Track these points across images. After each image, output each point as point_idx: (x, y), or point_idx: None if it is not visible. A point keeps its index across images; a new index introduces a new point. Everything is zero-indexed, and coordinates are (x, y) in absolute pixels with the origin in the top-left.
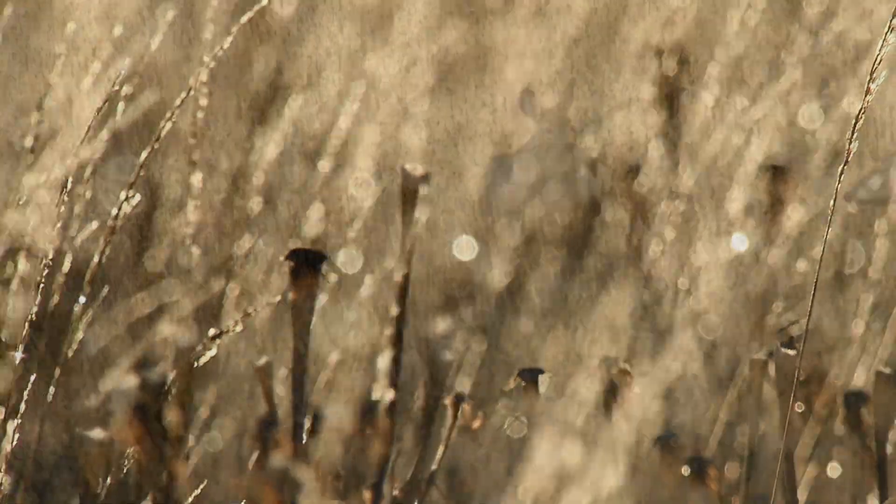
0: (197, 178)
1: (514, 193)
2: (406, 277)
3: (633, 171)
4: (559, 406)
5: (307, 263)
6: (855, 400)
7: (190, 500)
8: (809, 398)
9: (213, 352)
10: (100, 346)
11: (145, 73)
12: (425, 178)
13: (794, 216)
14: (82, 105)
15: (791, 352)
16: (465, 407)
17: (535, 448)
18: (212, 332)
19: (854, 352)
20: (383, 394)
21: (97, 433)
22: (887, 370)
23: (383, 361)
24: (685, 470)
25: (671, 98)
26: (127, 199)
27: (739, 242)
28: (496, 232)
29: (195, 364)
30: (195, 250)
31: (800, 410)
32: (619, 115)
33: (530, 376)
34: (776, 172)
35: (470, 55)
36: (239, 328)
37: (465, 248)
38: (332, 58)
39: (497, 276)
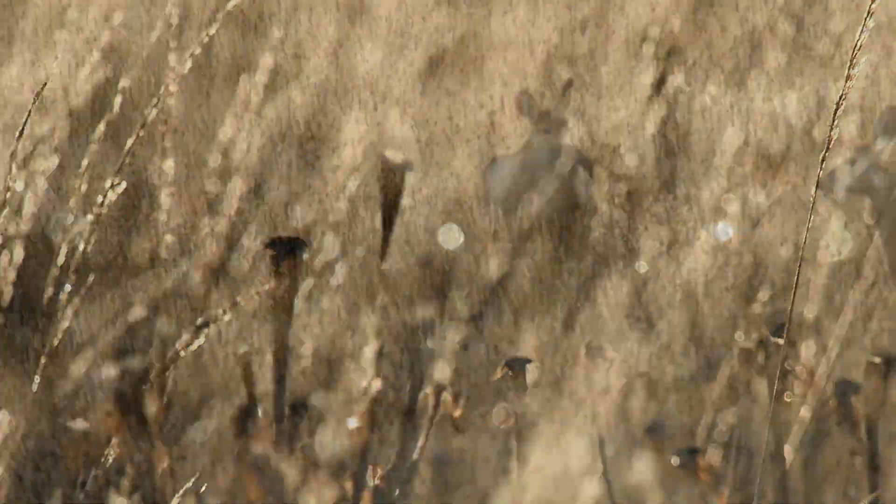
0: (175, 167)
1: (507, 186)
2: (385, 264)
3: (623, 161)
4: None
5: (288, 251)
6: (845, 390)
7: (180, 494)
8: (798, 386)
9: (200, 341)
10: (83, 335)
11: (125, 58)
12: (406, 165)
13: (779, 204)
14: (63, 90)
15: (778, 340)
16: (447, 396)
17: (525, 440)
18: (199, 321)
19: (842, 340)
20: (369, 384)
21: (79, 423)
22: (877, 360)
23: (367, 352)
24: (674, 460)
25: (660, 87)
26: (112, 186)
27: (724, 231)
28: (484, 223)
29: (181, 354)
30: (174, 238)
31: (788, 400)
32: (610, 105)
33: (517, 365)
34: (762, 160)
35: (459, 45)
36: (227, 317)
37: (450, 238)
38: (320, 47)
39: (487, 266)
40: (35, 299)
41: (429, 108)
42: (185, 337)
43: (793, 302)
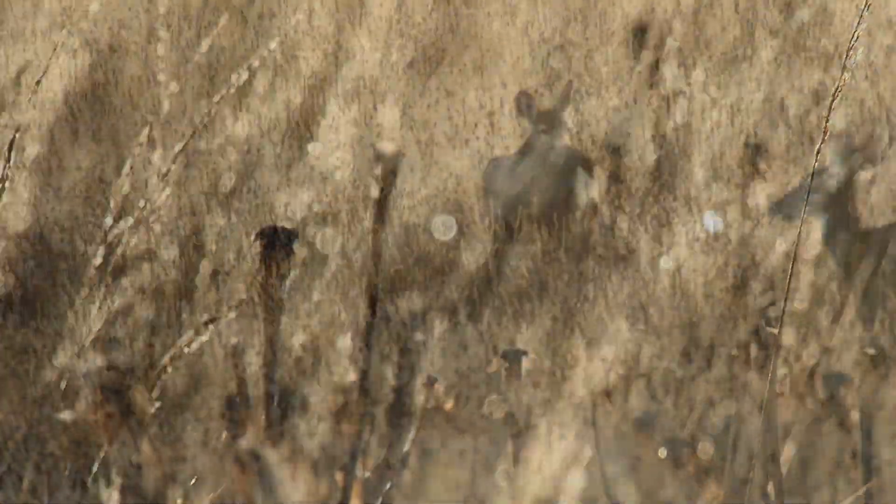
0: (169, 160)
1: (507, 186)
2: (377, 257)
3: (615, 151)
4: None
5: (279, 242)
6: (835, 381)
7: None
8: (790, 378)
9: (204, 338)
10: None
11: (113, 49)
12: (398, 156)
13: (770, 194)
14: (48, 79)
15: (773, 330)
16: (438, 388)
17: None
18: (205, 317)
19: (837, 332)
20: (360, 376)
21: (67, 415)
22: (872, 351)
23: (351, 342)
24: (662, 452)
25: (651, 76)
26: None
27: (714, 222)
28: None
29: (185, 349)
30: (162, 228)
31: (780, 391)
32: (601, 95)
33: (513, 357)
34: (754, 151)
35: (449, 35)
36: (233, 315)
37: (443, 228)
38: (319, 46)
39: (486, 264)
40: (35, 299)
41: (428, 108)
42: (189, 333)
43: (787, 296)
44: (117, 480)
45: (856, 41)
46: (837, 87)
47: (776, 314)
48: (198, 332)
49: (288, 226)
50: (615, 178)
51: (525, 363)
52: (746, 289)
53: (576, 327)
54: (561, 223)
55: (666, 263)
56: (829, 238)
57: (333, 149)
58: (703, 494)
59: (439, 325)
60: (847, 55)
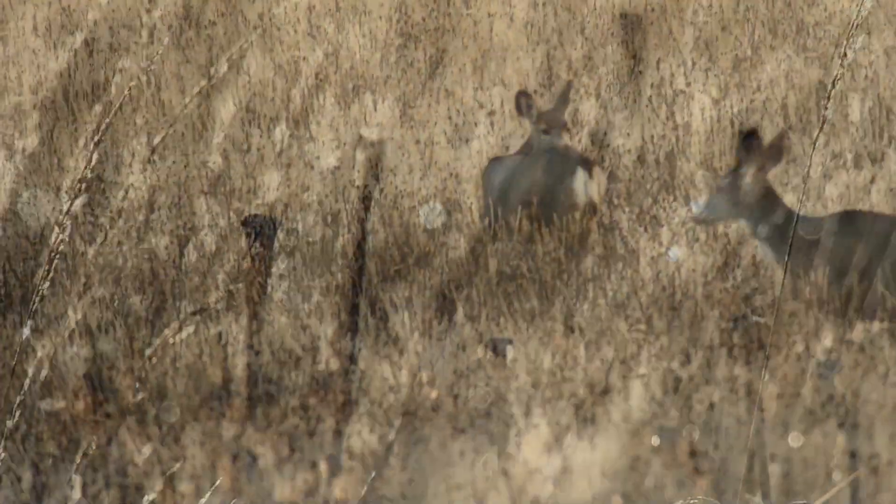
0: (149, 143)
1: (506, 186)
2: (361, 244)
3: (603, 140)
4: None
5: (262, 230)
6: (825, 369)
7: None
8: (778, 367)
9: (192, 328)
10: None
11: (100, 34)
12: (383, 144)
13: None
14: (38, 69)
15: (761, 319)
16: (423, 377)
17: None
18: (191, 308)
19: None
20: (345, 366)
21: (51, 404)
22: (859, 339)
23: (346, 334)
24: (654, 440)
25: (638, 64)
26: (87, 165)
27: (674, 254)
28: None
29: (172, 341)
30: (148, 216)
31: (767, 379)
32: (600, 95)
33: (499, 345)
34: (747, 139)
35: (449, 35)
36: (221, 305)
37: (432, 217)
38: (319, 45)
39: (487, 264)
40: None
41: (428, 107)
42: (174, 324)
43: (784, 283)
44: (104, 466)
45: (855, 30)
46: (837, 74)
47: (763, 305)
48: (183, 324)
49: (275, 217)
50: (614, 177)
51: (510, 351)
52: (735, 282)
53: (577, 329)
54: (561, 222)
55: (664, 259)
56: (760, 232)
57: (333, 148)
58: (693, 482)
59: (438, 322)
60: (847, 42)
